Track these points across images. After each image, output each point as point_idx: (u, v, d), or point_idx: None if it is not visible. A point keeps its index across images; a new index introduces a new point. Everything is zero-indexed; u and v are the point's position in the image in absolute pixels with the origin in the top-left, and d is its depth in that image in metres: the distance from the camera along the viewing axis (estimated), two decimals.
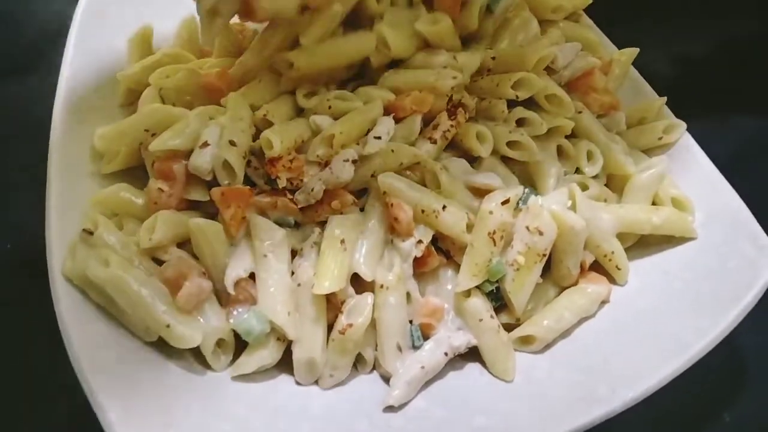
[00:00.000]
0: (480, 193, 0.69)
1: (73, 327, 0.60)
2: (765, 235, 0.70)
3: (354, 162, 0.68)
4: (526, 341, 0.67)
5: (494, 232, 0.65)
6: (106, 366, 0.59)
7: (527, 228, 0.66)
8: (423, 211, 0.66)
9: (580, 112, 0.78)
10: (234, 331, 0.64)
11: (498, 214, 0.65)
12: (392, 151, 0.68)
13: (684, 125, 0.82)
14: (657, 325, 0.67)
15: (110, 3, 0.88)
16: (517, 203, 0.68)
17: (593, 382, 0.63)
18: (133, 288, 0.60)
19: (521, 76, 0.74)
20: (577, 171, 0.77)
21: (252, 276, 0.65)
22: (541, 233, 0.66)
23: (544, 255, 0.67)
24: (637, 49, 0.89)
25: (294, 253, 0.67)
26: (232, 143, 0.67)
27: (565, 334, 0.68)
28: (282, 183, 0.67)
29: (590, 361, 0.65)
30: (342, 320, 0.64)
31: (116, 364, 0.60)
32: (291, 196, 0.68)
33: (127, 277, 0.61)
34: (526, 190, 0.70)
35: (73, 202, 0.70)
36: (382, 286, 0.65)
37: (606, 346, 0.67)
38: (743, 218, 0.72)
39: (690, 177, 0.78)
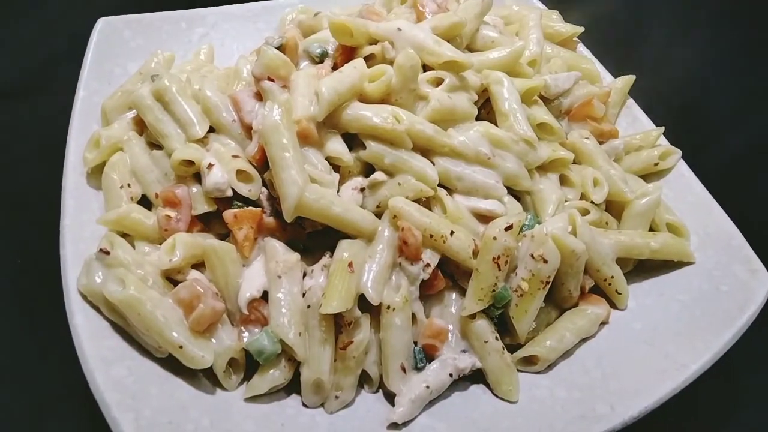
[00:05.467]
0: (485, 219, 0.70)
1: (87, 342, 0.62)
2: (758, 259, 0.73)
3: (362, 190, 0.69)
4: (529, 362, 0.69)
5: (499, 258, 0.66)
6: (119, 381, 0.60)
7: (532, 255, 0.67)
8: (431, 236, 0.67)
9: (587, 139, 0.80)
10: (245, 350, 0.65)
11: (502, 239, 0.66)
12: (399, 184, 0.69)
13: (679, 152, 0.84)
14: (654, 346, 0.69)
15: (125, 27, 0.90)
16: (521, 229, 0.69)
17: (593, 400, 0.65)
18: (147, 309, 0.62)
19: None
20: (582, 196, 0.78)
21: (264, 296, 0.66)
22: (545, 261, 0.67)
23: (548, 282, 0.68)
24: (633, 77, 0.91)
25: (303, 275, 0.68)
26: (234, 156, 0.69)
27: (566, 354, 0.70)
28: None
29: (590, 380, 0.67)
30: (342, 337, 0.65)
31: (129, 379, 0.61)
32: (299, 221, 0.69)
33: (143, 298, 0.62)
34: (529, 216, 0.71)
35: (86, 222, 0.71)
36: (388, 308, 0.66)
37: (605, 365, 0.68)
38: (736, 243, 0.75)
39: (684, 202, 0.80)
